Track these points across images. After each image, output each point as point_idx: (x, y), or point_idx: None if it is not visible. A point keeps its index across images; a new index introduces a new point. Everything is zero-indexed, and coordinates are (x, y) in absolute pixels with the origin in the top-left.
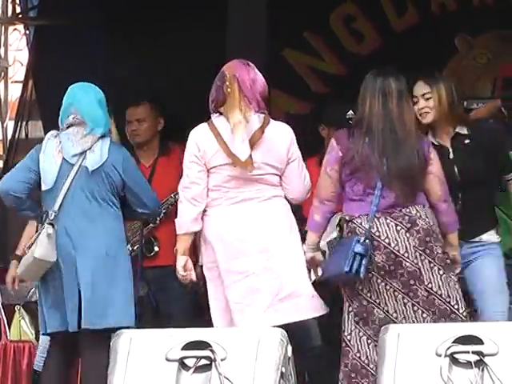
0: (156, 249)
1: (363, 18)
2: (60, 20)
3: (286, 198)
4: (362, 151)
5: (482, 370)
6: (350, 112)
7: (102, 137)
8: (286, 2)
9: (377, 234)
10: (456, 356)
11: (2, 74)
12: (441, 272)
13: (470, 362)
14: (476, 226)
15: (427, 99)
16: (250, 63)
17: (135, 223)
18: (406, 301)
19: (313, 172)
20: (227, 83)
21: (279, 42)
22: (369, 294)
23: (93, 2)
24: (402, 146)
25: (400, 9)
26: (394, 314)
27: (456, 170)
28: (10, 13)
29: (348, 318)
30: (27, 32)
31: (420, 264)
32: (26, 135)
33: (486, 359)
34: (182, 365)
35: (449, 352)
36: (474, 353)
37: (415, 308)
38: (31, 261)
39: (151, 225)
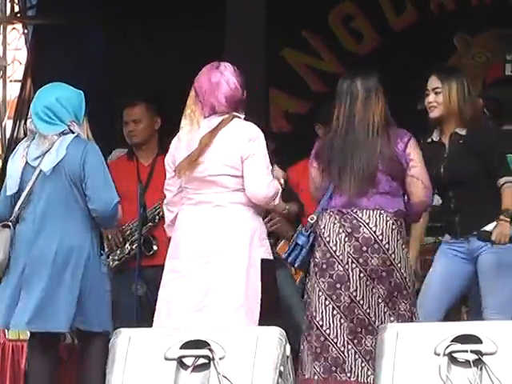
0: (155, 248)
1: (362, 17)
2: (58, 19)
3: (250, 205)
4: (327, 152)
5: (481, 369)
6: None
7: (64, 134)
8: (284, 1)
9: (322, 230)
10: (454, 355)
11: (1, 72)
12: (368, 283)
13: (469, 361)
14: (469, 223)
15: (437, 94)
16: (224, 66)
17: (134, 222)
18: (327, 302)
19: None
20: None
21: (278, 42)
22: (308, 288)
23: (91, 1)
24: (362, 147)
25: (399, 8)
26: (314, 313)
27: (442, 168)
28: (8, 12)
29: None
30: (26, 31)
31: (350, 271)
32: (25, 134)
33: (484, 358)
34: (181, 364)
35: (447, 351)
36: (472, 352)
37: (335, 312)
38: None
39: (150, 224)
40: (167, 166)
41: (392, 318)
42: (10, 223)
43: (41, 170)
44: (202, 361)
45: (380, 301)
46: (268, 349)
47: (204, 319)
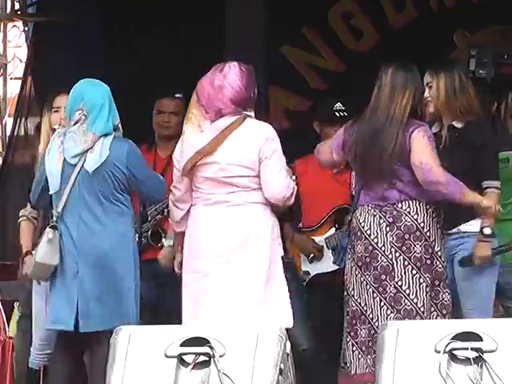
0: (164, 240)
1: (361, 15)
2: (59, 16)
3: (266, 203)
4: (353, 142)
5: (481, 366)
6: (338, 104)
7: (106, 134)
8: None
9: (362, 224)
10: (455, 353)
11: (1, 70)
12: (413, 272)
13: (469, 359)
14: (455, 216)
15: (430, 88)
16: (228, 67)
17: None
18: (375, 295)
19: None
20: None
21: (278, 39)
22: (348, 285)
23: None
24: (380, 134)
25: (398, 5)
26: (365, 308)
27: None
28: (9, 9)
29: (344, 307)
30: (26, 28)
31: (394, 260)
32: (25, 132)
33: (485, 356)
34: (181, 361)
35: (448, 349)
36: (472, 349)
37: (382, 303)
38: (34, 264)
39: (159, 216)
40: (175, 163)
41: (440, 308)
42: (56, 224)
43: (81, 169)
44: (202, 358)
45: (428, 290)
46: (268, 346)
47: (231, 317)
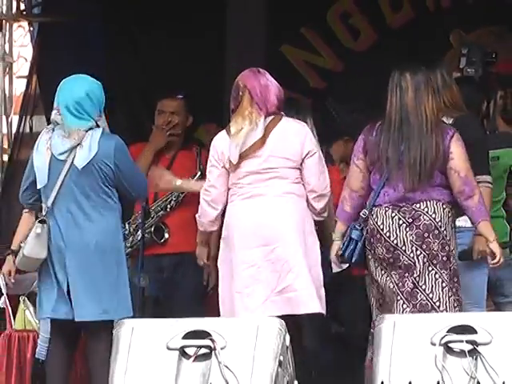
0: (166, 236)
1: (359, 15)
2: (63, 17)
3: (303, 195)
4: (380, 143)
5: (476, 358)
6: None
7: (92, 129)
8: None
9: (381, 226)
10: (450, 345)
11: (7, 69)
12: (430, 268)
13: (464, 351)
14: None
15: None
16: (261, 70)
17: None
18: (394, 289)
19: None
20: (240, 93)
21: (277, 39)
22: (374, 284)
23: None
24: (416, 138)
25: (395, 5)
26: (391, 308)
27: None
28: (14, 10)
29: (372, 303)
30: (31, 28)
31: (415, 258)
32: (31, 129)
33: (479, 348)
34: (183, 353)
35: (443, 341)
36: (467, 342)
37: (398, 298)
38: (21, 257)
39: (162, 212)
40: (214, 164)
41: (456, 304)
42: (45, 218)
43: (71, 165)
44: (203, 351)
45: (444, 285)
46: (268, 339)
47: (281, 304)
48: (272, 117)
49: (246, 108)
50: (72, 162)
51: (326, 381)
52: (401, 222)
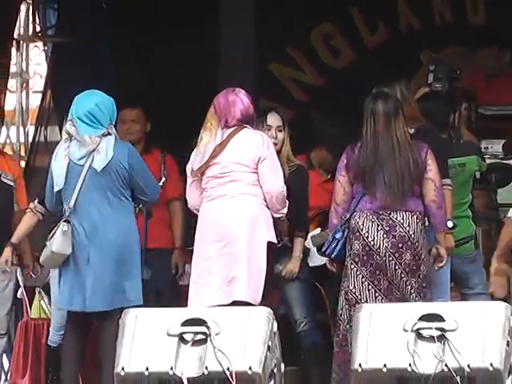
0: None
1: (340, 36)
2: (74, 37)
3: (258, 195)
4: (359, 162)
5: (444, 343)
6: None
7: (105, 136)
8: (272, 22)
9: (361, 226)
10: (421, 332)
11: (24, 84)
12: (402, 275)
13: (433, 337)
14: None
15: None
16: (237, 89)
17: None
18: (370, 287)
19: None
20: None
21: (266, 57)
22: (345, 278)
23: (102, 21)
24: (390, 163)
25: (372, 28)
26: (359, 297)
27: None
28: (30, 31)
29: (340, 295)
30: (46, 48)
31: (387, 262)
32: (45, 138)
33: (446, 334)
34: (182, 339)
35: (414, 328)
36: (436, 329)
37: (376, 294)
38: (49, 254)
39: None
40: (188, 174)
41: None
42: (69, 218)
43: (89, 168)
44: (200, 337)
45: (412, 291)
46: (258, 326)
47: (229, 293)
48: (233, 128)
49: (209, 120)
50: (90, 166)
51: (312, 362)
52: (379, 227)
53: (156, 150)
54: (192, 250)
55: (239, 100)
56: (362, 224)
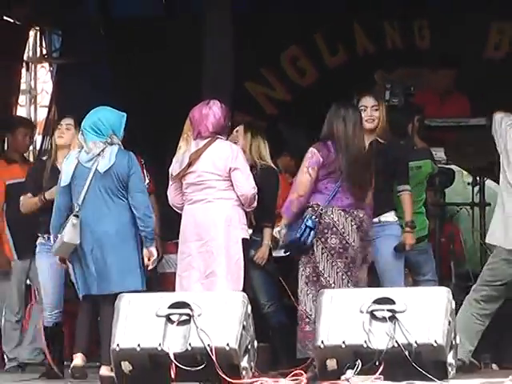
0: None
1: (305, 58)
2: (77, 59)
3: (237, 200)
4: (335, 161)
5: (394, 323)
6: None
7: (110, 144)
8: (247, 45)
9: (337, 222)
10: (374, 313)
11: (32, 100)
12: (363, 266)
13: (385, 318)
14: (376, 209)
15: (376, 110)
16: (211, 102)
17: None
18: (344, 277)
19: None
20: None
21: (242, 77)
22: (319, 266)
23: (101, 44)
24: (360, 161)
25: (333, 50)
26: (333, 285)
27: None
28: (38, 54)
29: (301, 279)
30: (51, 68)
31: (358, 255)
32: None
33: (397, 315)
34: (168, 320)
35: (369, 310)
36: (388, 310)
37: (349, 284)
38: (61, 243)
39: None
40: (170, 177)
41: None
42: (78, 213)
43: (95, 170)
44: (184, 317)
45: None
46: (234, 308)
47: (207, 286)
48: (207, 139)
49: (186, 132)
50: (96, 169)
51: (279, 338)
52: (352, 223)
53: (139, 156)
54: (176, 243)
55: (212, 113)
56: (338, 220)
